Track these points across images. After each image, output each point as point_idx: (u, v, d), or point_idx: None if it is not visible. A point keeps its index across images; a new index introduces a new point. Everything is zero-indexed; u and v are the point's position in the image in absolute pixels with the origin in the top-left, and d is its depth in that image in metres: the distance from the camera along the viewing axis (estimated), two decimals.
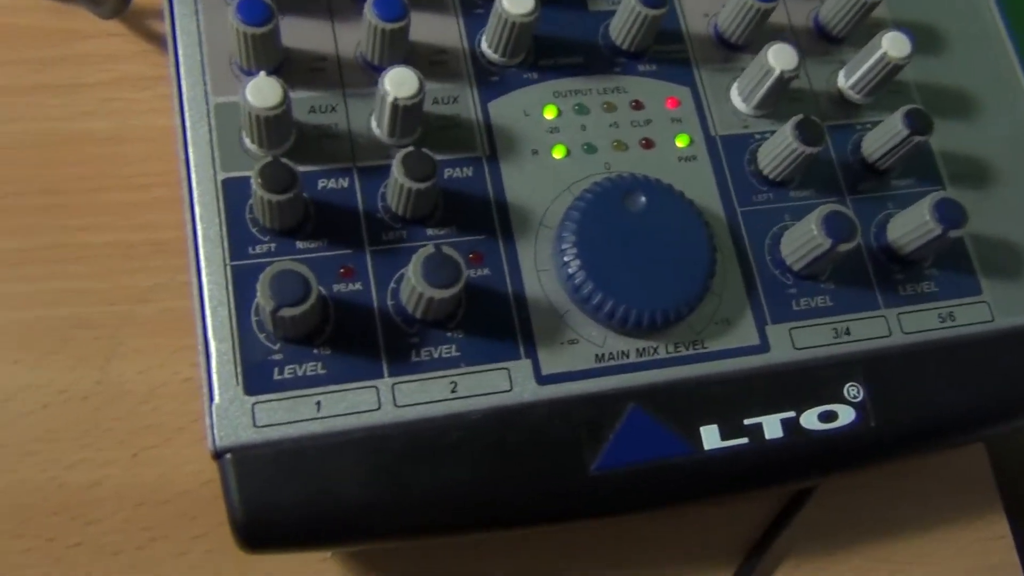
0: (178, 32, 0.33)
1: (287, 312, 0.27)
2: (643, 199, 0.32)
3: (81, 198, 0.38)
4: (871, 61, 0.35)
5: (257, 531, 0.29)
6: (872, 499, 0.39)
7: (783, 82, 0.34)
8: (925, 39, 0.39)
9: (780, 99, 0.36)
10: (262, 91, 0.29)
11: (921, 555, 0.39)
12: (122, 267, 0.37)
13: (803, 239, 0.32)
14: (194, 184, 0.31)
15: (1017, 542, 0.40)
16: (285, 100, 0.30)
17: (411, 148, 0.30)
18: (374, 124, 0.33)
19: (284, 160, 0.29)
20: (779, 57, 0.34)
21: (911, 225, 0.34)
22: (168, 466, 0.35)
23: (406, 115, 0.31)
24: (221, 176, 0.31)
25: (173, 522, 0.34)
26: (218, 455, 0.28)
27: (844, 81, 0.37)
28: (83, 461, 0.34)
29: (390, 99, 0.30)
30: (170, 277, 0.37)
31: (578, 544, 0.36)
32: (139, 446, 0.35)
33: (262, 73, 0.30)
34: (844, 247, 0.31)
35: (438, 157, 0.32)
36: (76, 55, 0.40)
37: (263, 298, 0.27)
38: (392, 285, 0.31)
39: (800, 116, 0.33)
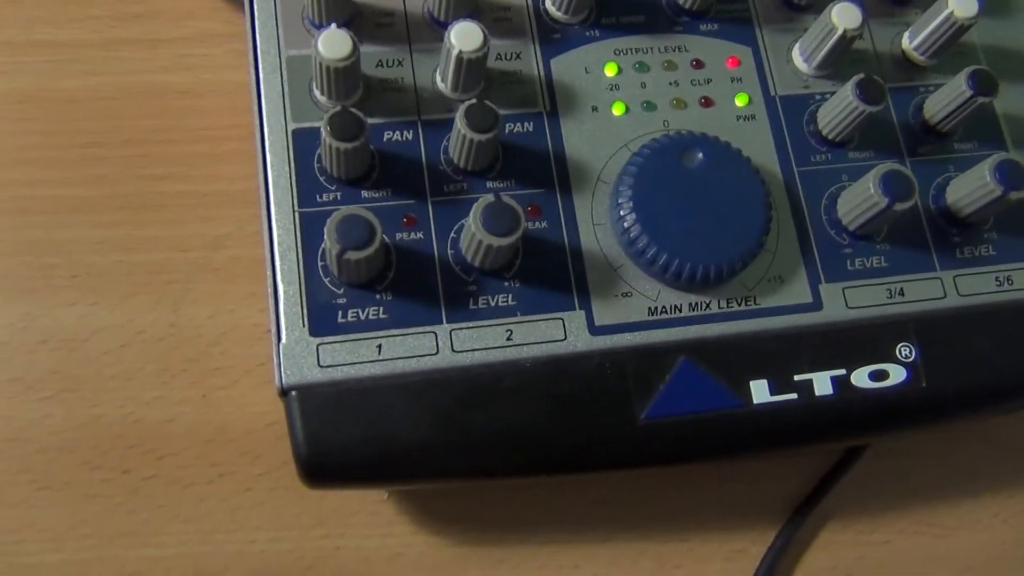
0: None
1: (352, 255, 0.28)
2: (700, 156, 0.33)
3: (158, 149, 0.39)
4: (937, 21, 0.35)
5: (319, 467, 0.30)
6: (923, 463, 0.39)
7: (846, 41, 0.34)
8: (992, 0, 0.39)
9: (842, 60, 0.36)
10: (333, 42, 0.30)
11: (970, 521, 0.39)
12: (195, 216, 0.38)
13: (860, 198, 0.32)
14: (266, 134, 0.32)
15: None
16: (355, 52, 0.31)
17: (474, 100, 0.31)
18: (439, 78, 0.33)
19: (353, 109, 0.30)
20: (843, 16, 0.34)
21: (971, 187, 0.33)
22: (235, 406, 0.36)
23: (470, 69, 0.32)
24: (292, 126, 0.32)
25: (239, 460, 0.36)
26: (284, 392, 0.30)
27: (908, 42, 0.37)
28: (158, 399, 0.36)
29: (455, 52, 0.31)
30: (239, 227, 0.38)
31: (622, 493, 0.37)
32: (209, 387, 0.36)
33: (333, 25, 0.31)
34: (900, 206, 0.32)
35: (500, 112, 0.33)
36: (153, 11, 0.41)
37: (330, 241, 0.28)
38: (452, 235, 0.32)
39: (861, 75, 0.33)
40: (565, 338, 0.32)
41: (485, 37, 0.31)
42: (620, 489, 0.37)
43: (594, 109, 0.34)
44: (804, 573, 0.38)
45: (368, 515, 0.36)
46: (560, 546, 0.37)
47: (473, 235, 0.29)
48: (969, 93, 0.34)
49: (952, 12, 0.34)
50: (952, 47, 0.36)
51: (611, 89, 0.35)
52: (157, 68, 0.41)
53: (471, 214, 0.29)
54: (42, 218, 0.38)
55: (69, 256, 0.38)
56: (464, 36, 0.31)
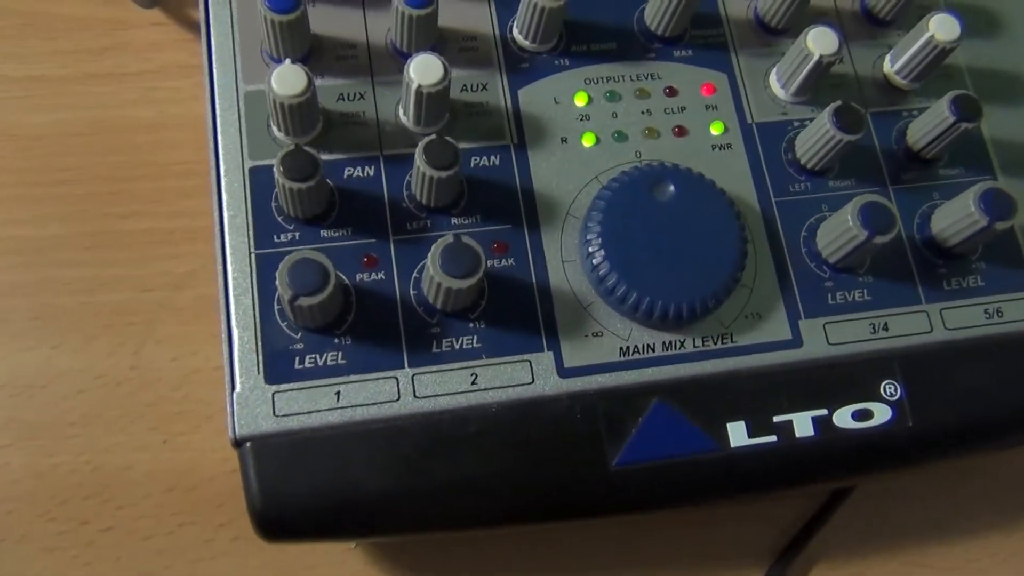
0: (211, 20, 0.33)
1: (304, 301, 0.27)
2: (672, 188, 0.31)
3: (124, 185, 0.38)
4: (918, 44, 0.34)
5: (275, 521, 0.29)
6: (914, 502, 0.38)
7: (823, 67, 0.33)
8: (979, 21, 0.37)
9: (821, 85, 0.35)
10: (287, 79, 0.29)
11: (965, 560, 0.37)
12: (159, 254, 0.37)
13: (839, 230, 0.31)
14: (222, 172, 0.31)
15: None
16: (310, 88, 0.30)
17: (433, 136, 0.30)
18: (401, 112, 0.32)
19: (306, 148, 0.29)
20: (819, 41, 0.33)
21: (956, 216, 0.32)
22: (197, 452, 0.35)
23: (431, 102, 0.31)
24: (248, 164, 0.31)
25: (200, 508, 0.34)
26: (238, 443, 0.29)
27: (890, 66, 0.35)
28: (117, 445, 0.35)
29: (415, 86, 0.30)
30: (204, 264, 0.37)
31: (601, 542, 0.36)
32: (170, 432, 0.35)
33: (287, 61, 0.30)
34: (881, 239, 0.30)
35: (466, 145, 0.32)
36: (120, 44, 0.41)
37: (281, 287, 0.27)
38: (415, 275, 0.31)
39: (839, 102, 0.32)
40: (532, 381, 0.30)
41: (446, 70, 0.30)
42: (596, 536, 0.36)
43: (563, 140, 0.33)
44: None
45: (333, 566, 0.35)
46: None
47: (432, 277, 0.28)
48: (952, 119, 0.33)
49: (933, 35, 0.33)
50: (935, 70, 0.35)
51: (581, 119, 0.34)
52: (125, 102, 0.40)
53: (430, 256, 0.28)
54: (7, 259, 0.37)
55: (32, 298, 0.37)
56: (424, 69, 0.30)
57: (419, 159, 0.29)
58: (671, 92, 0.35)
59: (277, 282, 0.27)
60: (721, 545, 0.36)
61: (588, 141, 0.33)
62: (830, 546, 0.37)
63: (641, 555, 0.36)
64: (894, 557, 0.37)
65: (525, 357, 0.31)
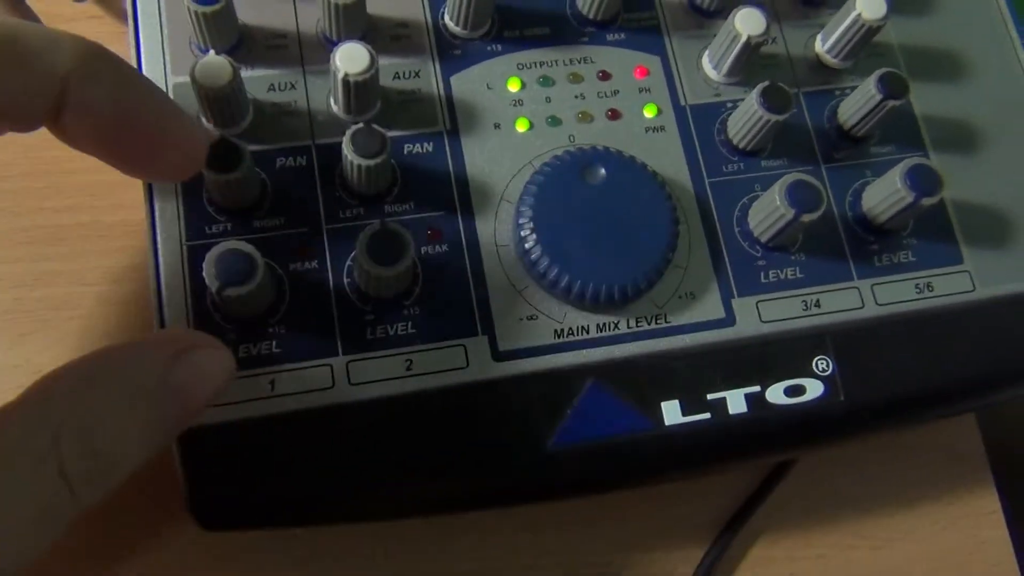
0: (139, 12, 0.33)
1: (231, 292, 0.27)
2: (602, 171, 0.32)
3: (59, 179, 0.38)
4: (846, 23, 0.34)
5: (212, 511, 0.29)
6: (854, 474, 0.39)
7: (751, 48, 0.33)
8: None
9: (752, 65, 0.35)
10: (211, 70, 0.29)
11: (905, 531, 0.38)
12: (97, 248, 0.37)
13: (768, 209, 0.32)
14: None
15: (1008, 517, 0.39)
16: (235, 78, 0.29)
17: (360, 124, 0.30)
18: (332, 101, 0.32)
19: (231, 138, 0.29)
20: (746, 22, 0.33)
21: (884, 193, 0.33)
22: None
23: (359, 91, 0.31)
24: None
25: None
26: None
27: (821, 45, 0.36)
28: None
29: (341, 75, 0.30)
30: (144, 258, 0.37)
31: (546, 523, 0.36)
32: None
33: (211, 52, 0.30)
34: (808, 217, 0.31)
35: (398, 133, 0.32)
36: None
37: (208, 278, 0.27)
38: (349, 263, 0.31)
39: (766, 83, 0.32)
40: (467, 366, 0.31)
41: (372, 58, 0.30)
42: (543, 516, 0.36)
43: (496, 126, 0.33)
44: None
45: (279, 553, 0.35)
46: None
47: (360, 265, 0.28)
48: (879, 97, 0.33)
49: (860, 14, 0.34)
50: (865, 48, 0.35)
51: (514, 105, 0.34)
52: None
53: (357, 243, 0.28)
54: None
55: None
56: (349, 58, 0.30)
57: (346, 148, 0.29)
58: (604, 76, 0.35)
59: (204, 273, 0.27)
60: (663, 522, 0.37)
61: (522, 126, 0.34)
62: (772, 520, 0.38)
63: (583, 535, 0.36)
64: (836, 529, 0.38)
65: (460, 342, 0.31)
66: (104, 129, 0.23)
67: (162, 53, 0.32)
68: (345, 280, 0.31)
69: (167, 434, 0.23)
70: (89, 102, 0.22)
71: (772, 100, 0.32)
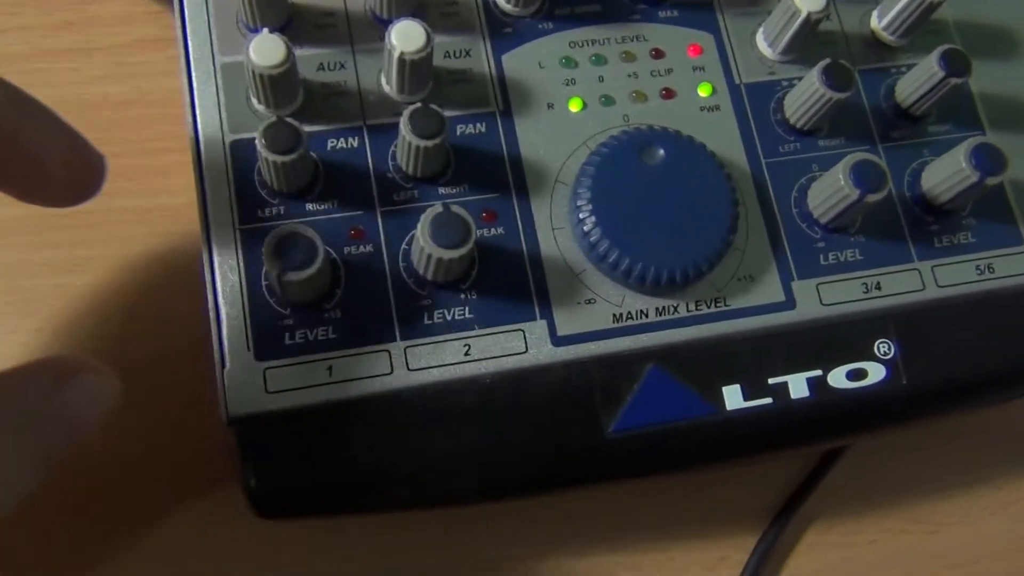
0: None
1: (293, 276, 0.27)
2: (661, 152, 0.31)
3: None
4: (904, 0, 0.33)
5: (271, 499, 0.28)
6: (907, 459, 0.38)
7: (810, 24, 0.32)
8: None
9: (809, 43, 0.34)
10: (265, 49, 0.29)
11: (960, 516, 0.38)
12: (138, 233, 0.37)
13: (830, 190, 0.31)
14: (202, 147, 0.30)
15: None
16: (289, 58, 0.29)
17: (418, 104, 0.29)
18: (383, 81, 0.32)
19: (288, 119, 0.28)
20: None
21: (946, 173, 0.32)
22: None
23: (414, 70, 0.30)
24: (229, 138, 0.31)
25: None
26: (231, 422, 0.28)
27: (878, 22, 0.35)
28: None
29: (397, 54, 0.29)
30: (185, 242, 0.36)
31: (597, 509, 0.36)
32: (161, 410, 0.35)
33: (265, 30, 0.29)
34: (873, 198, 0.30)
35: (450, 113, 0.32)
36: (86, 19, 0.39)
37: (268, 262, 0.27)
38: (404, 246, 0.30)
39: (827, 60, 0.32)
40: (526, 350, 0.30)
41: (428, 36, 0.29)
42: (592, 501, 0.36)
43: (550, 106, 0.33)
44: None
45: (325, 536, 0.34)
46: (534, 563, 0.35)
47: (422, 248, 0.28)
48: (941, 74, 0.32)
49: None
50: (923, 25, 0.35)
51: (567, 84, 0.33)
52: (93, 79, 0.39)
53: (419, 226, 0.28)
54: None
55: (6, 280, 0.36)
56: (405, 36, 0.29)
57: (404, 128, 0.29)
58: (657, 54, 0.34)
59: (264, 257, 0.27)
60: (717, 508, 0.36)
61: (575, 106, 0.33)
62: (825, 505, 0.37)
63: (636, 520, 0.36)
64: (889, 514, 0.37)
65: (518, 326, 0.30)
66: None
67: (208, 32, 0.32)
68: (401, 264, 0.30)
69: (53, 459, 0.22)
70: None
71: (835, 77, 0.31)
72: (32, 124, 0.22)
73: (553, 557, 0.36)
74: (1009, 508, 0.38)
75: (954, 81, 0.32)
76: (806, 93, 0.32)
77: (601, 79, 0.33)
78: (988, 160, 0.31)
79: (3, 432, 0.21)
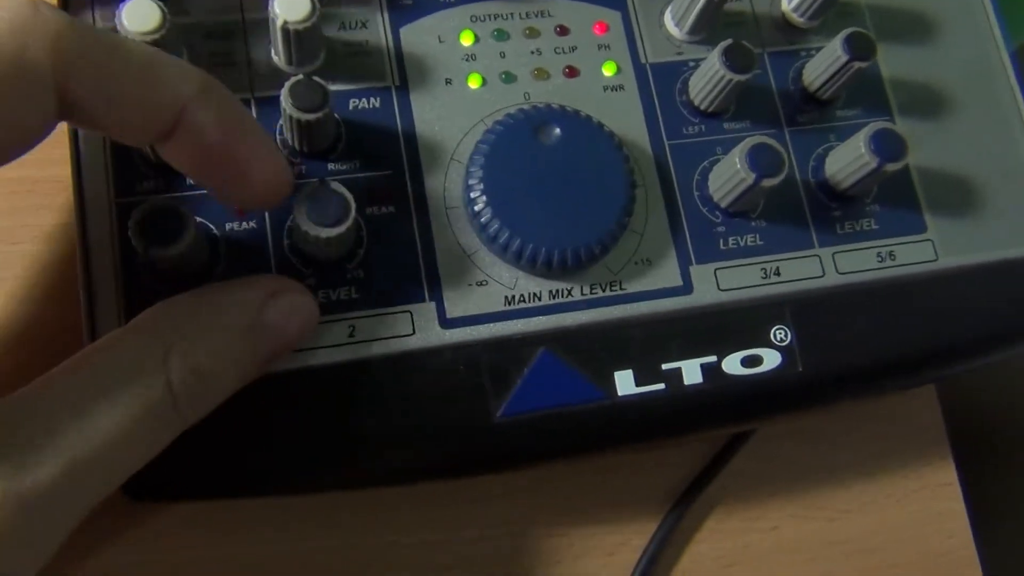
0: None
1: (159, 252, 0.26)
2: (557, 131, 0.30)
3: None
4: None
5: (145, 485, 0.27)
6: (812, 446, 0.38)
7: (714, 4, 0.32)
8: None
9: (717, 24, 0.34)
10: (137, 14, 0.27)
11: (862, 502, 0.38)
12: (28, 204, 0.35)
13: (728, 174, 0.30)
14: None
15: (965, 488, 0.38)
16: (164, 24, 0.27)
17: (300, 76, 0.28)
18: (273, 52, 0.31)
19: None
20: None
21: (848, 158, 0.32)
22: None
23: (299, 40, 0.29)
24: None
25: None
26: None
27: (788, 3, 0.34)
28: None
29: (280, 22, 0.28)
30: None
31: (495, 494, 0.35)
32: None
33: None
34: (769, 182, 0.30)
35: (343, 87, 0.31)
36: None
37: (135, 238, 0.26)
38: (288, 224, 0.29)
39: (729, 41, 0.31)
40: (413, 333, 0.29)
41: (313, 5, 0.28)
42: (493, 486, 0.35)
43: (448, 82, 0.32)
44: (689, 563, 0.36)
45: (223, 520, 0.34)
46: (432, 547, 0.35)
47: (298, 226, 0.27)
48: (845, 58, 0.32)
49: None
50: (834, 7, 0.34)
51: (467, 59, 0.32)
52: None
53: (295, 203, 0.27)
54: None
55: None
56: (289, 5, 0.28)
57: (285, 101, 0.28)
58: (562, 31, 0.33)
59: (130, 233, 0.26)
60: (618, 493, 0.36)
61: (474, 82, 0.32)
62: (728, 490, 0.37)
63: (535, 504, 0.35)
64: (791, 500, 0.37)
65: (406, 308, 0.29)
66: (205, 153, 0.25)
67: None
68: (285, 242, 0.29)
69: (257, 367, 0.26)
70: (199, 127, 0.24)
71: (735, 59, 0.31)
72: (251, 143, 0.25)
73: (449, 544, 0.35)
74: (912, 496, 0.38)
75: (858, 65, 0.32)
76: (708, 74, 0.31)
77: (503, 55, 0.32)
78: (888, 146, 0.31)
79: (219, 335, 0.25)
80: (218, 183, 0.26)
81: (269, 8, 0.28)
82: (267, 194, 0.26)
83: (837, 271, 0.32)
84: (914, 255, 0.33)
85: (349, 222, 0.27)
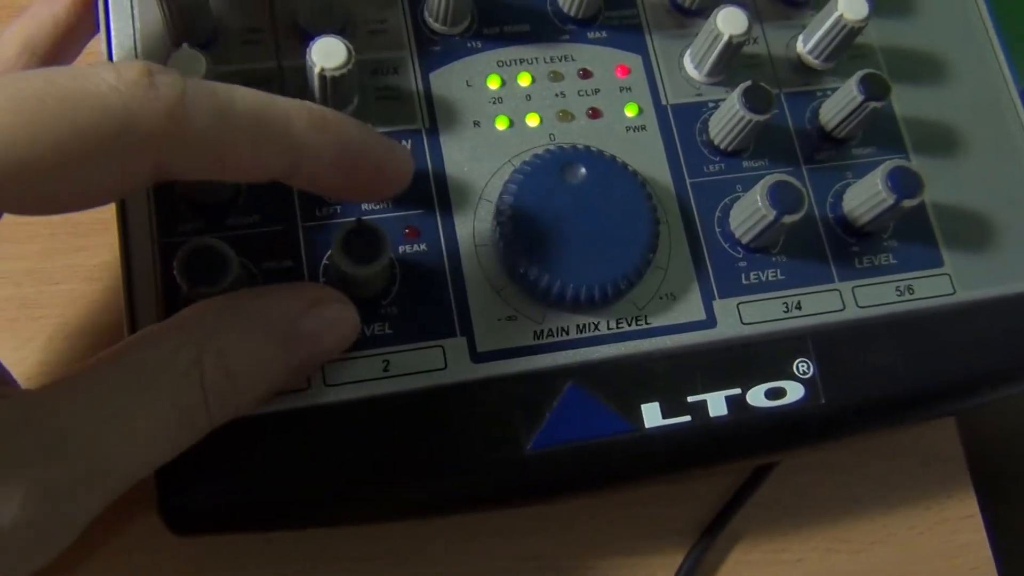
0: (111, 11, 0.32)
1: (203, 291, 0.27)
2: (582, 171, 0.31)
3: None
4: (827, 24, 0.34)
5: (181, 517, 0.28)
6: (835, 478, 0.38)
7: (732, 47, 0.33)
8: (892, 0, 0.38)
9: (735, 66, 0.35)
10: (185, 64, 0.29)
11: (885, 534, 0.38)
12: (68, 246, 0.36)
13: (749, 210, 0.31)
14: None
15: (986, 520, 0.39)
16: (209, 76, 0.29)
17: None
18: (308, 97, 0.32)
19: None
20: (728, 21, 0.33)
21: (865, 195, 0.32)
22: None
23: (335, 86, 0.30)
24: None
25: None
26: None
27: (803, 46, 0.36)
28: None
29: (317, 70, 0.29)
30: (116, 255, 0.36)
31: (524, 527, 0.36)
32: None
33: (184, 46, 0.29)
34: (790, 218, 0.30)
35: (376, 130, 0.32)
36: None
37: (180, 277, 0.27)
38: (325, 262, 0.30)
39: (747, 83, 0.32)
40: (445, 367, 0.30)
41: (349, 53, 0.29)
42: (520, 519, 0.36)
43: (476, 124, 0.33)
44: None
45: (259, 553, 0.34)
46: None
47: (335, 264, 0.28)
48: (860, 99, 0.33)
49: (842, 15, 0.33)
50: (847, 49, 0.35)
51: (494, 102, 0.33)
52: None
53: (333, 240, 0.28)
54: None
55: None
56: (326, 53, 0.29)
57: None
58: (585, 74, 0.34)
59: (176, 272, 0.27)
60: (645, 525, 0.37)
61: (501, 124, 0.33)
62: (753, 523, 0.37)
63: (562, 540, 0.36)
64: (817, 532, 0.38)
65: (438, 343, 0.30)
66: (333, 175, 0.26)
67: (134, 49, 0.32)
68: (321, 279, 0.30)
69: (290, 375, 0.27)
70: (318, 157, 0.25)
71: (754, 100, 0.32)
72: (372, 152, 0.27)
73: (480, 575, 0.35)
74: (935, 528, 0.38)
75: (873, 105, 0.33)
76: (727, 115, 0.32)
77: (528, 98, 0.34)
78: (904, 183, 0.32)
79: (254, 338, 0.25)
80: (352, 191, 0.28)
81: (306, 56, 0.30)
82: (399, 185, 0.28)
83: (857, 305, 0.33)
84: (932, 289, 0.34)
85: (384, 260, 0.28)
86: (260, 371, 0.26)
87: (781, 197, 0.30)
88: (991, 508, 0.39)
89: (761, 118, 0.32)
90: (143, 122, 0.22)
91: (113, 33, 0.32)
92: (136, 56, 0.32)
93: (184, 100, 0.22)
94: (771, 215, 0.30)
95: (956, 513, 0.39)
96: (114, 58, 0.31)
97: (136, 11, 0.32)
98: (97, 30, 0.32)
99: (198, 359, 0.24)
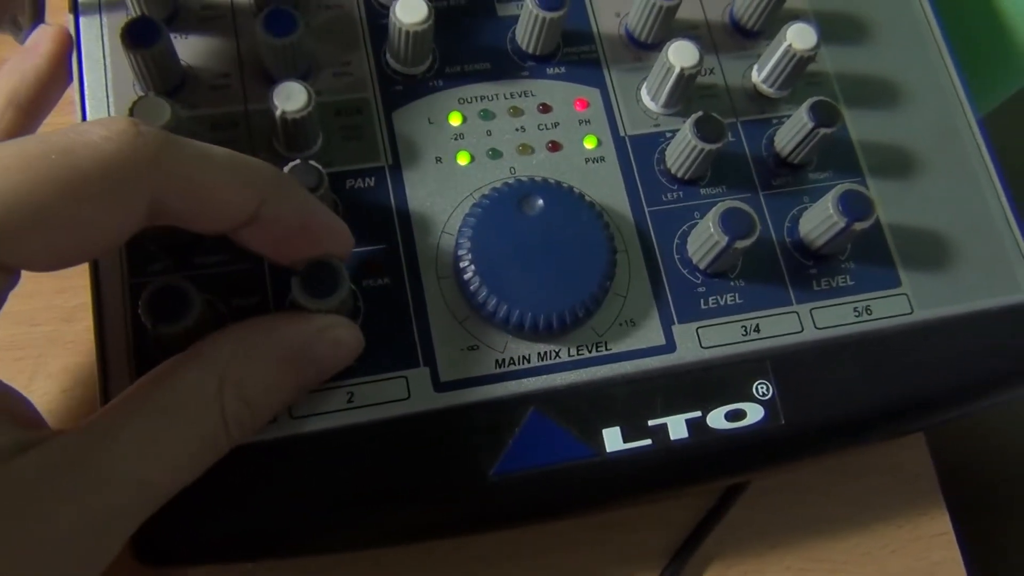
0: (83, 57, 0.33)
1: (164, 329, 0.27)
2: (540, 202, 0.32)
3: None
4: (778, 54, 0.35)
5: (152, 549, 0.29)
6: (807, 498, 0.39)
7: (685, 79, 0.34)
8: (845, 27, 0.39)
9: (692, 96, 0.36)
10: (151, 111, 0.30)
11: (859, 553, 0.38)
12: (48, 287, 0.37)
13: (703, 237, 0.32)
14: None
15: (959, 538, 0.39)
16: (174, 120, 0.30)
17: (297, 161, 0.30)
18: (274, 139, 0.33)
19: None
20: (679, 54, 0.34)
21: (818, 219, 0.33)
22: None
23: (296, 128, 0.31)
24: None
25: None
26: None
27: (757, 75, 0.37)
28: None
29: (278, 113, 0.31)
30: None
31: (497, 554, 0.36)
32: None
33: (150, 93, 0.30)
34: (742, 244, 0.31)
35: (340, 168, 0.33)
36: None
37: (144, 315, 0.28)
38: (288, 299, 0.31)
39: (699, 113, 0.33)
40: (409, 397, 0.31)
41: (309, 97, 0.31)
42: (496, 544, 0.36)
43: (438, 160, 0.34)
44: None
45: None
46: None
47: (296, 299, 0.29)
48: (811, 125, 0.34)
49: (791, 45, 0.34)
50: (800, 78, 0.36)
51: (456, 139, 0.34)
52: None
53: (292, 278, 0.29)
54: None
55: None
56: (286, 96, 0.31)
57: None
58: (544, 108, 0.35)
59: (140, 311, 0.28)
60: (616, 549, 0.37)
61: (463, 159, 0.34)
62: (725, 544, 0.38)
63: (536, 566, 0.36)
64: (789, 553, 0.38)
65: (401, 373, 0.31)
66: (282, 236, 0.28)
67: (106, 97, 0.33)
68: None
69: (300, 394, 0.29)
70: (276, 214, 0.27)
71: (705, 130, 0.33)
72: (320, 219, 0.29)
73: None
74: (909, 546, 0.39)
75: (823, 131, 0.34)
76: (681, 144, 0.33)
77: (489, 133, 0.35)
78: (855, 206, 0.32)
79: (270, 366, 0.27)
80: (294, 256, 0.29)
81: (269, 100, 0.31)
82: (341, 249, 0.29)
83: (815, 326, 0.34)
84: (890, 309, 0.35)
85: (342, 294, 0.28)
86: (277, 396, 0.28)
87: (732, 223, 0.31)
88: (964, 525, 0.40)
89: (713, 147, 0.33)
90: (136, 163, 0.24)
91: (87, 83, 0.33)
92: (108, 104, 0.33)
93: (168, 146, 0.25)
94: (723, 241, 0.31)
95: (929, 531, 0.39)
96: (87, 106, 0.33)
97: (108, 60, 0.33)
98: (71, 80, 0.34)
99: (219, 391, 0.26)
